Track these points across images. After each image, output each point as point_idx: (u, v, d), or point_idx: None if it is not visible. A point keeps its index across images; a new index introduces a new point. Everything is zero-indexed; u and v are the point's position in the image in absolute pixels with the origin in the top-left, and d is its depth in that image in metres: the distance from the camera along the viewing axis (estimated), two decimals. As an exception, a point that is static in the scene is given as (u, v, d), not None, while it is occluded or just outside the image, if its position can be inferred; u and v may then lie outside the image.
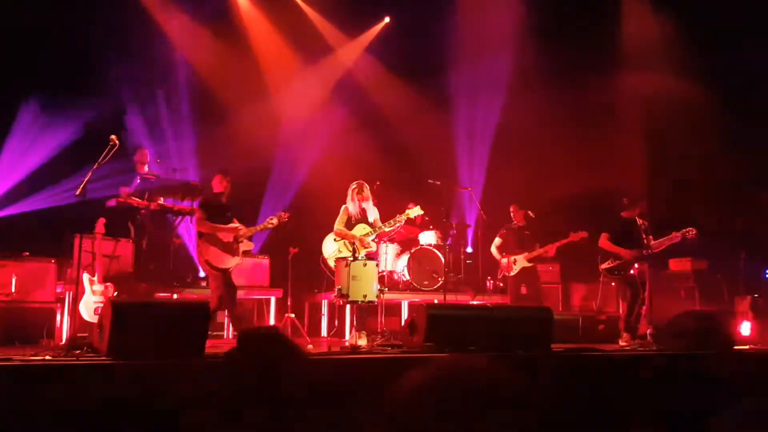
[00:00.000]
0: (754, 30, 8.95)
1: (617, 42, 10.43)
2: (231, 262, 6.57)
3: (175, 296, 7.49)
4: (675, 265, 8.81)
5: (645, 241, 7.03)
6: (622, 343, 6.75)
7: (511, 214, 8.61)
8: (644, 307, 7.02)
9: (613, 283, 9.04)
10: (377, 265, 6.55)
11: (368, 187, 6.89)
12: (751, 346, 6.53)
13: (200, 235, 6.63)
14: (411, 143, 10.43)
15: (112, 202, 7.58)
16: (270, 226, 6.83)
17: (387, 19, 11.02)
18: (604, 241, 7.15)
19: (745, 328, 7.10)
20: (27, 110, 8.39)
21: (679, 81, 9.65)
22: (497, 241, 8.60)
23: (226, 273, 6.54)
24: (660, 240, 7.13)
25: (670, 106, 9.71)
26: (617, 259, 7.07)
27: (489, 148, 10.41)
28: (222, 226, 6.61)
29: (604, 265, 7.20)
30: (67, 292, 6.75)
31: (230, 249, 6.58)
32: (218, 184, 6.82)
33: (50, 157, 8.44)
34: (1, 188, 8.29)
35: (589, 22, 10.05)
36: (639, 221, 7.16)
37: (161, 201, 7.98)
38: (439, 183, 7.43)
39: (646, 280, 6.97)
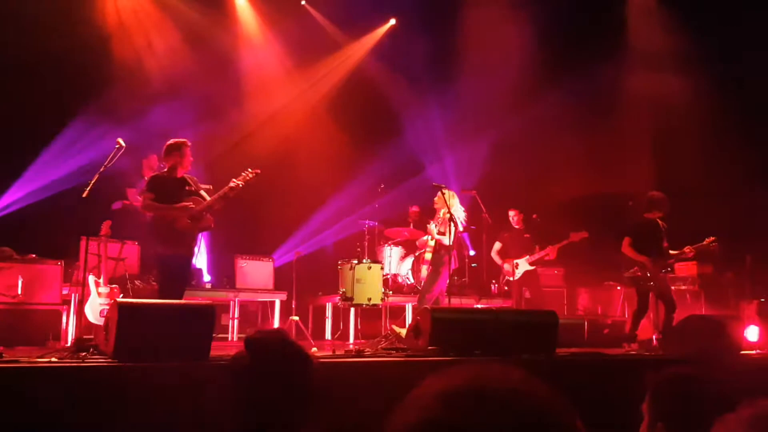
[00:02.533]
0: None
1: (623, 42, 10.41)
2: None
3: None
4: (680, 269, 8.76)
5: (665, 246, 6.77)
6: (627, 347, 6.71)
7: (510, 218, 8.57)
8: (651, 313, 6.96)
9: (618, 287, 9.01)
10: (381, 268, 6.56)
11: (439, 195, 6.93)
12: (759, 351, 6.48)
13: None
14: (413, 146, 10.43)
15: (117, 205, 7.60)
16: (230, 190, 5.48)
17: (393, 21, 10.99)
18: (626, 247, 6.80)
19: (752, 333, 7.03)
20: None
21: (685, 81, 9.61)
22: (497, 245, 8.56)
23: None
24: (675, 253, 6.93)
25: (676, 107, 9.68)
26: (643, 268, 6.76)
27: (489, 150, 10.38)
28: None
29: (628, 273, 6.94)
30: (73, 294, 6.78)
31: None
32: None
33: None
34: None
35: (594, 22, 10.02)
36: (660, 223, 6.88)
37: None
38: (444, 186, 7.43)
39: (668, 290, 6.80)
